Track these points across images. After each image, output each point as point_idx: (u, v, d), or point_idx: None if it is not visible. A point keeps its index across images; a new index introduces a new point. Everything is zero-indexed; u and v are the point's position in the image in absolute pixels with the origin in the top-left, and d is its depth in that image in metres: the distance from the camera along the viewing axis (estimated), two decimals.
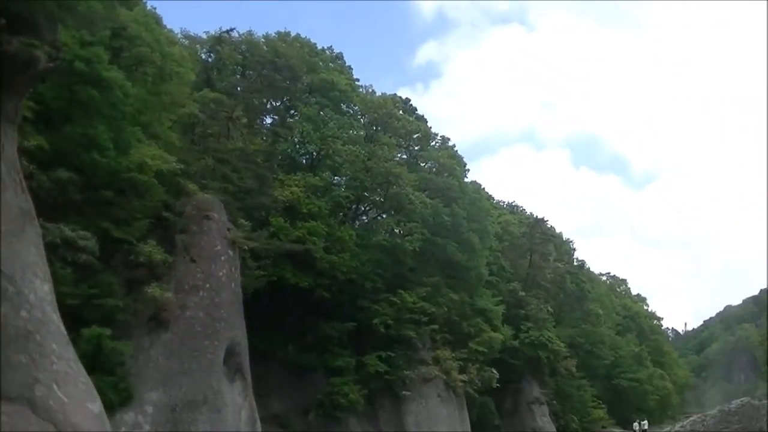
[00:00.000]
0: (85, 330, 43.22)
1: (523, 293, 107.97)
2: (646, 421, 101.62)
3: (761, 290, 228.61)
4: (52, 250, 38.86)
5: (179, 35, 74.52)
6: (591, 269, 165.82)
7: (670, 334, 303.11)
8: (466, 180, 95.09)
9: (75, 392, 28.78)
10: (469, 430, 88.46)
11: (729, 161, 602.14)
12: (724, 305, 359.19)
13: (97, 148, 45.86)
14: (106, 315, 45.80)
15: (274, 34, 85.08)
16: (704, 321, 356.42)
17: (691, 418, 23.84)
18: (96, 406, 29.83)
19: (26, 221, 29.53)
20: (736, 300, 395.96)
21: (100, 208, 46.79)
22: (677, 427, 22.79)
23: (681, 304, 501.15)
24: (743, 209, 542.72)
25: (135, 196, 48.84)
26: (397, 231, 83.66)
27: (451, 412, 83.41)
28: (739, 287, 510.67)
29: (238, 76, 77.70)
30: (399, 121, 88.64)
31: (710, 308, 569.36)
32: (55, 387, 27.91)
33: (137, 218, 48.95)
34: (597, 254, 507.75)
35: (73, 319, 39.42)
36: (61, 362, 28.85)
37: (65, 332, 30.47)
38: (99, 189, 46.43)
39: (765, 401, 23.99)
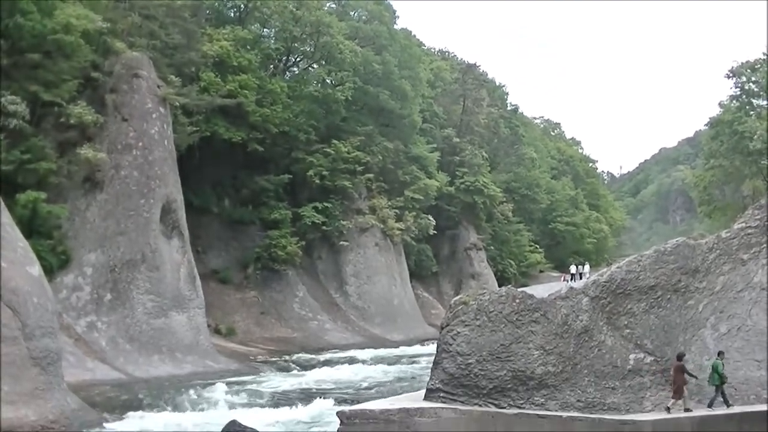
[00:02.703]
0: (20, 195, 43.11)
1: (458, 139, 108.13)
2: (587, 265, 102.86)
3: (696, 131, 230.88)
4: None
5: None
6: (524, 114, 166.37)
7: (606, 177, 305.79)
8: (395, 27, 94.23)
9: (13, 257, 28.96)
10: (408, 277, 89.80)
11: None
12: (660, 147, 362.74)
13: (19, 11, 44.97)
14: (40, 179, 45.63)
15: None
16: (640, 163, 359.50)
17: (627, 259, 24.37)
18: (35, 269, 30.05)
19: None
20: (672, 142, 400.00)
21: (27, 72, 46.11)
22: (613, 267, 23.30)
23: (616, 147, 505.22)
24: (677, 49, 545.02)
25: (62, 57, 48.00)
26: (328, 81, 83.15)
27: (389, 260, 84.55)
28: (674, 129, 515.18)
29: None
30: None
31: (645, 150, 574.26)
32: None
33: (66, 80, 48.20)
34: (530, 98, 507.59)
35: (8, 185, 39.40)
36: None
37: (0, 198, 30.49)
38: (25, 52, 45.70)
39: (701, 241, 24.60)
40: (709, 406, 24.34)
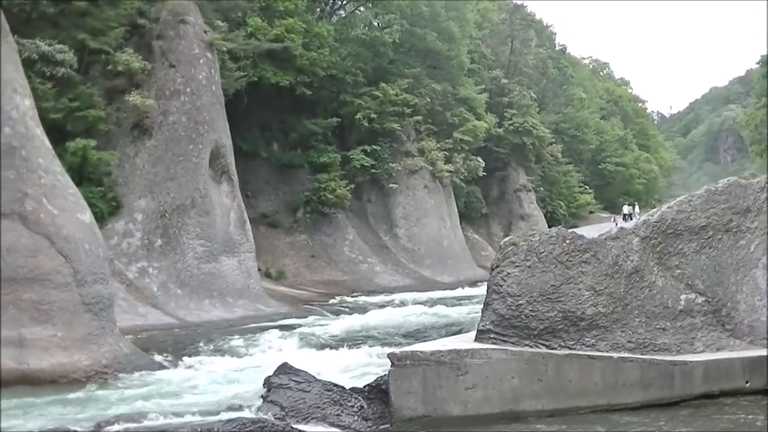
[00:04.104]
0: (70, 143, 43.44)
1: (506, 80, 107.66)
2: (637, 206, 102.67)
3: (747, 70, 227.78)
4: (29, 66, 38.73)
5: None
6: (572, 54, 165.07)
7: (656, 118, 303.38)
8: None
9: (64, 204, 29.21)
10: (457, 219, 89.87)
11: None
12: (710, 86, 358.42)
13: None
14: (89, 126, 45.97)
15: None
16: (690, 103, 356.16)
17: (678, 199, 24.01)
18: (86, 216, 30.30)
19: (0, 38, 29.38)
20: (723, 81, 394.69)
21: (74, 20, 46.20)
22: (663, 207, 22.99)
23: (666, 87, 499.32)
24: None
25: (108, 4, 48.09)
26: (375, 24, 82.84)
27: (438, 202, 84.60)
28: (725, 67, 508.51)
29: None
30: None
31: (696, 90, 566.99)
32: (44, 200, 28.35)
33: (112, 27, 48.27)
34: (578, 38, 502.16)
35: (57, 133, 39.65)
36: (49, 176, 29.21)
37: (50, 146, 30.71)
38: (72, 0, 45.81)
39: (752, 180, 24.13)
40: None
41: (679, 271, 23.56)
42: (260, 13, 66.93)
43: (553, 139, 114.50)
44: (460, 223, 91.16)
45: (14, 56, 30.33)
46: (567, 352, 21.83)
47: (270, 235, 69.35)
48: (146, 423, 19.38)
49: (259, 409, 20.78)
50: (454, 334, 29.23)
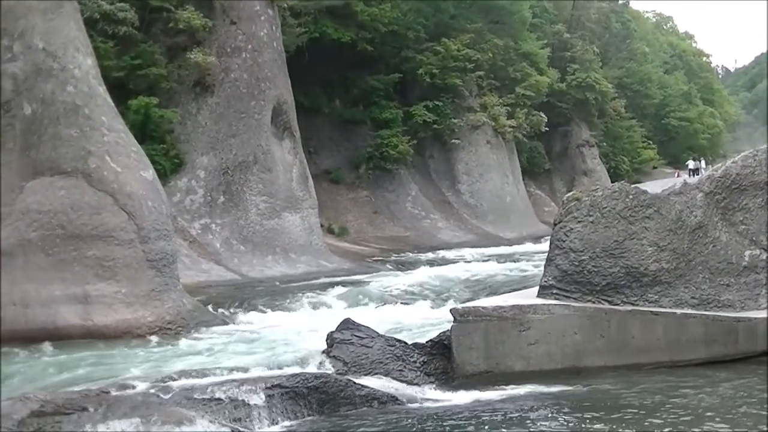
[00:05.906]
0: (132, 101, 43.78)
1: (568, 35, 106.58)
2: (703, 161, 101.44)
3: None
4: (91, 25, 38.96)
5: None
6: (635, 8, 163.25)
7: (720, 72, 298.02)
8: None
9: (127, 162, 29.39)
10: (520, 174, 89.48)
11: None
12: None
13: None
14: (151, 84, 46.30)
15: None
16: (756, 57, 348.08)
17: (743, 154, 23.69)
18: (149, 174, 30.44)
19: None
20: None
21: None
22: (728, 162, 22.69)
23: (731, 40, 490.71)
24: None
25: None
26: None
27: (500, 158, 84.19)
28: None
29: None
30: None
31: (761, 43, 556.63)
32: (107, 158, 28.53)
33: None
34: None
35: (120, 91, 39.90)
36: (112, 134, 29.39)
37: (113, 104, 30.89)
38: None
39: None
40: None
41: (743, 226, 23.25)
42: None
43: (616, 94, 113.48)
44: (523, 179, 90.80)
45: (76, 15, 30.51)
46: (630, 308, 21.69)
47: (332, 191, 69.53)
48: (210, 378, 19.49)
49: (321, 364, 20.87)
50: (516, 289, 29.10)
